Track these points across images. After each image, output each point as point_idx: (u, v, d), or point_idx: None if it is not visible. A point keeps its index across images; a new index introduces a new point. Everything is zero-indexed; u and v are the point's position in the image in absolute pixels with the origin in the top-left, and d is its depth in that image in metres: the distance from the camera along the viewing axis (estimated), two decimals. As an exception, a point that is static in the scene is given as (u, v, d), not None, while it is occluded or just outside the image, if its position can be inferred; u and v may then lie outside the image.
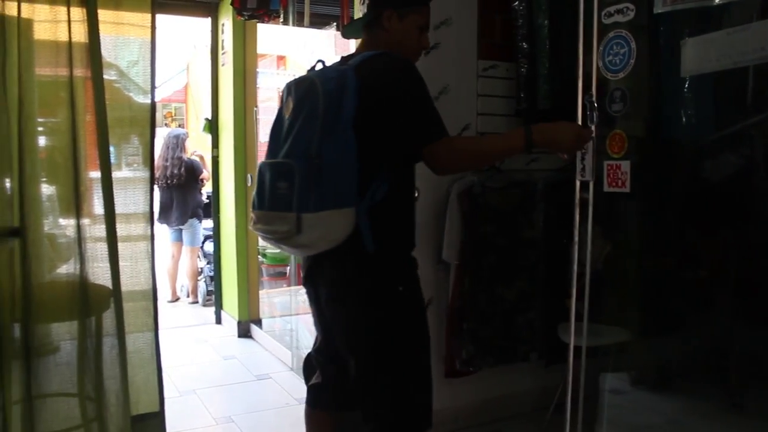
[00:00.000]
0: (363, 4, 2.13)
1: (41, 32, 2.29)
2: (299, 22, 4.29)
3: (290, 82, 1.99)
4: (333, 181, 1.79)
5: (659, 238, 2.93)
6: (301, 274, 2.18)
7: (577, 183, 2.15)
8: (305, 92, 1.86)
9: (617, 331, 2.82)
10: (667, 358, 3.01)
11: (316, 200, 1.77)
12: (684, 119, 2.61)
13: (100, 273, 2.41)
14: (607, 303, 2.55)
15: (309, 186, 1.77)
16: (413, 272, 2.01)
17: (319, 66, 1.97)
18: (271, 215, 1.87)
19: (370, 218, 1.85)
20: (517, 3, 3.02)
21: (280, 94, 2.03)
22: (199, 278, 5.99)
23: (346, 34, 2.31)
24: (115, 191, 2.39)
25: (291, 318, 4.36)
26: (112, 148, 2.38)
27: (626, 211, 2.85)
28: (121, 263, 2.43)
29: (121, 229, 2.42)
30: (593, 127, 2.07)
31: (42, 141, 2.37)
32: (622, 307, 2.85)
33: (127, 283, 2.45)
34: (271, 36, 4.80)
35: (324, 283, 2.00)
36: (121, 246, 2.42)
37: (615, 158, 2.06)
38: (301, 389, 2.56)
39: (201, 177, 5.89)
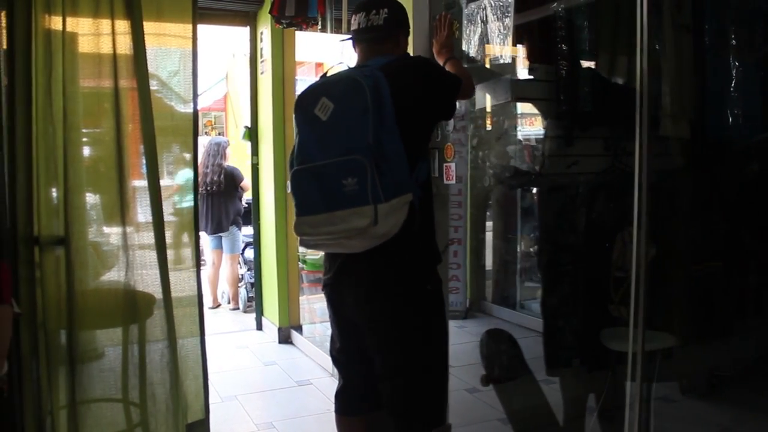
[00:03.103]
0: (366, 16, 2.17)
1: (85, 45, 2.33)
2: (337, 29, 4.30)
3: (313, 87, 2.08)
4: (395, 170, 1.89)
5: (707, 242, 2.86)
6: (326, 278, 2.21)
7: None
8: (350, 91, 1.92)
9: (664, 337, 2.75)
10: (718, 365, 2.93)
11: (385, 190, 1.85)
12: (731, 120, 2.55)
13: (144, 280, 2.44)
14: (654, 308, 2.50)
15: (378, 177, 1.84)
16: (437, 272, 2.14)
17: (334, 70, 2.11)
18: (341, 214, 1.89)
19: (418, 198, 1.99)
20: (555, 4, 2.98)
21: (300, 100, 2.09)
22: (239, 285, 6.04)
23: (360, 40, 2.28)
24: (150, 200, 2.42)
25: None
26: (145, 157, 2.41)
27: (673, 214, 2.79)
28: (164, 270, 2.46)
29: (165, 236, 2.45)
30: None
31: (86, 151, 2.41)
32: (670, 312, 2.79)
33: (172, 290, 2.48)
34: (309, 43, 4.83)
35: (366, 274, 2.04)
36: (161, 253, 2.45)
37: (448, 161, 2.69)
38: (341, 396, 2.56)
39: (241, 184, 5.94)
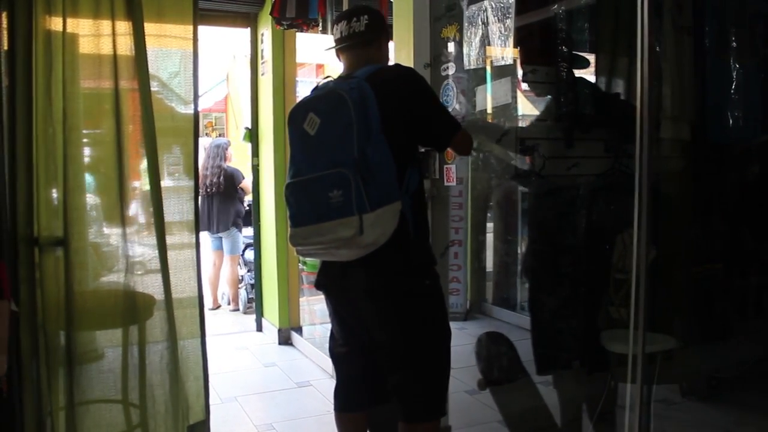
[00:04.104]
0: (348, 23, 2.24)
1: (86, 46, 2.33)
2: (337, 31, 4.29)
3: (302, 102, 2.17)
4: (380, 181, 1.94)
5: (707, 243, 2.85)
6: (322, 279, 2.28)
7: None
8: (334, 106, 1.99)
9: (665, 339, 2.75)
10: (719, 368, 2.93)
11: (371, 200, 1.92)
12: (731, 122, 2.55)
13: (143, 281, 2.44)
14: (655, 310, 2.50)
15: (363, 188, 1.91)
16: (434, 269, 2.19)
17: (324, 83, 2.16)
18: (328, 225, 1.96)
19: (410, 206, 2.06)
20: (556, 6, 2.98)
21: (291, 114, 2.19)
22: (239, 286, 6.04)
23: (344, 48, 2.33)
24: (152, 201, 2.42)
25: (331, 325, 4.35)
26: (146, 158, 2.41)
27: (674, 216, 2.79)
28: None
29: (166, 237, 2.45)
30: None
31: (86, 152, 2.41)
32: (670, 314, 2.78)
33: (173, 291, 2.48)
34: (309, 45, 4.82)
35: (366, 276, 2.09)
36: (163, 254, 2.45)
37: (449, 163, 2.75)
38: (341, 397, 2.56)
39: (241, 186, 5.94)
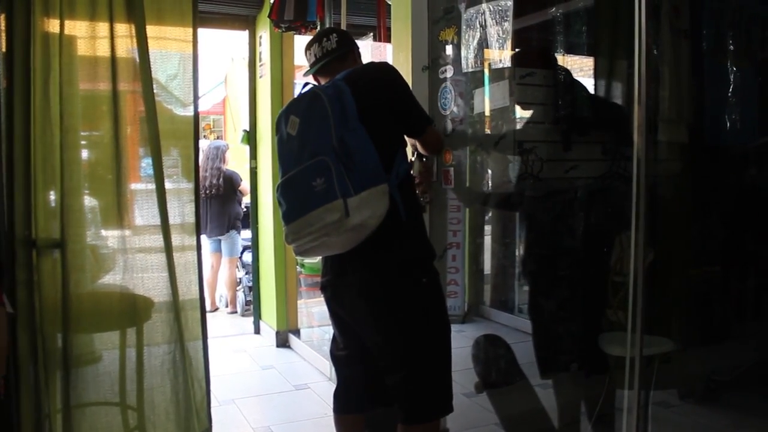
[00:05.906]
0: (320, 45, 2.34)
1: (84, 48, 2.33)
2: (335, 34, 4.29)
3: (284, 109, 2.24)
4: (362, 165, 2.01)
5: (705, 246, 2.86)
6: (323, 279, 2.30)
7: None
8: (310, 103, 2.09)
9: (662, 342, 2.75)
10: (717, 370, 2.93)
11: (354, 184, 1.97)
12: (728, 124, 2.56)
13: (141, 284, 2.43)
14: (652, 313, 2.51)
15: (344, 173, 1.97)
16: (432, 265, 2.21)
17: (307, 87, 2.23)
18: (315, 214, 2.00)
19: (400, 191, 2.10)
20: (554, 9, 2.98)
21: (276, 122, 2.24)
22: (237, 288, 6.04)
23: (321, 68, 2.40)
24: (158, 203, 2.42)
25: (329, 328, 4.34)
26: (151, 160, 2.41)
27: (671, 218, 2.79)
28: (165, 274, 2.45)
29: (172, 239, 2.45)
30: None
31: (84, 153, 2.41)
32: (668, 317, 2.79)
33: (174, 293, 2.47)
34: (308, 47, 4.80)
35: (362, 272, 2.13)
36: (164, 257, 2.45)
37: (447, 166, 2.83)
38: (339, 400, 2.55)
39: (240, 188, 5.94)
